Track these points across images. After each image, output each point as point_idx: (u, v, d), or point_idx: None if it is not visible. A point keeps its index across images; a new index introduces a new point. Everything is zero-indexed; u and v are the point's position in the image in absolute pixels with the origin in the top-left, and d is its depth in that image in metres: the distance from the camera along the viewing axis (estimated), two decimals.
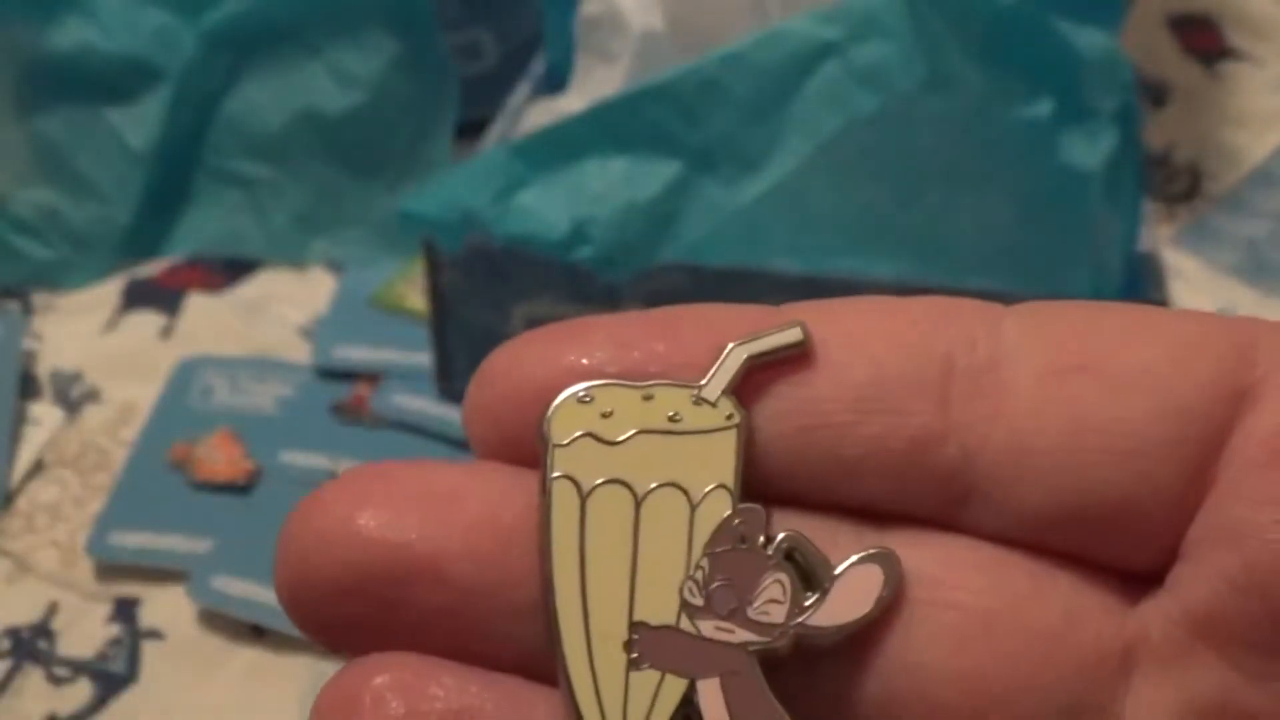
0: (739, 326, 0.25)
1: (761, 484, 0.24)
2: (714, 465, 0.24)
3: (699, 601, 0.24)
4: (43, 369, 0.73)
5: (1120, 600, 0.24)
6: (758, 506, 0.24)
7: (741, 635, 0.23)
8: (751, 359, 0.24)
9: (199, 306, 0.77)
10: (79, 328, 0.76)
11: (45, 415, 0.71)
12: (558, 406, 0.24)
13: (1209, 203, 0.77)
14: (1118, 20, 0.61)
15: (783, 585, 0.24)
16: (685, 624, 0.24)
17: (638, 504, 0.24)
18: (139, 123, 0.77)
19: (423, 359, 0.70)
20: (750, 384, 0.24)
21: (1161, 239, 0.73)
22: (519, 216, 0.58)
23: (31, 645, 0.61)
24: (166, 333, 0.75)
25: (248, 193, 0.79)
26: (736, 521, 0.24)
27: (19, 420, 0.70)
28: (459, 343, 0.68)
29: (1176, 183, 0.79)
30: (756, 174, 0.58)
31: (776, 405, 0.24)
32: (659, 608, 0.24)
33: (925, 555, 0.24)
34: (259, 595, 0.61)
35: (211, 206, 0.80)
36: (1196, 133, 0.83)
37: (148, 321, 0.76)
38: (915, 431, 0.24)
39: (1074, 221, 0.61)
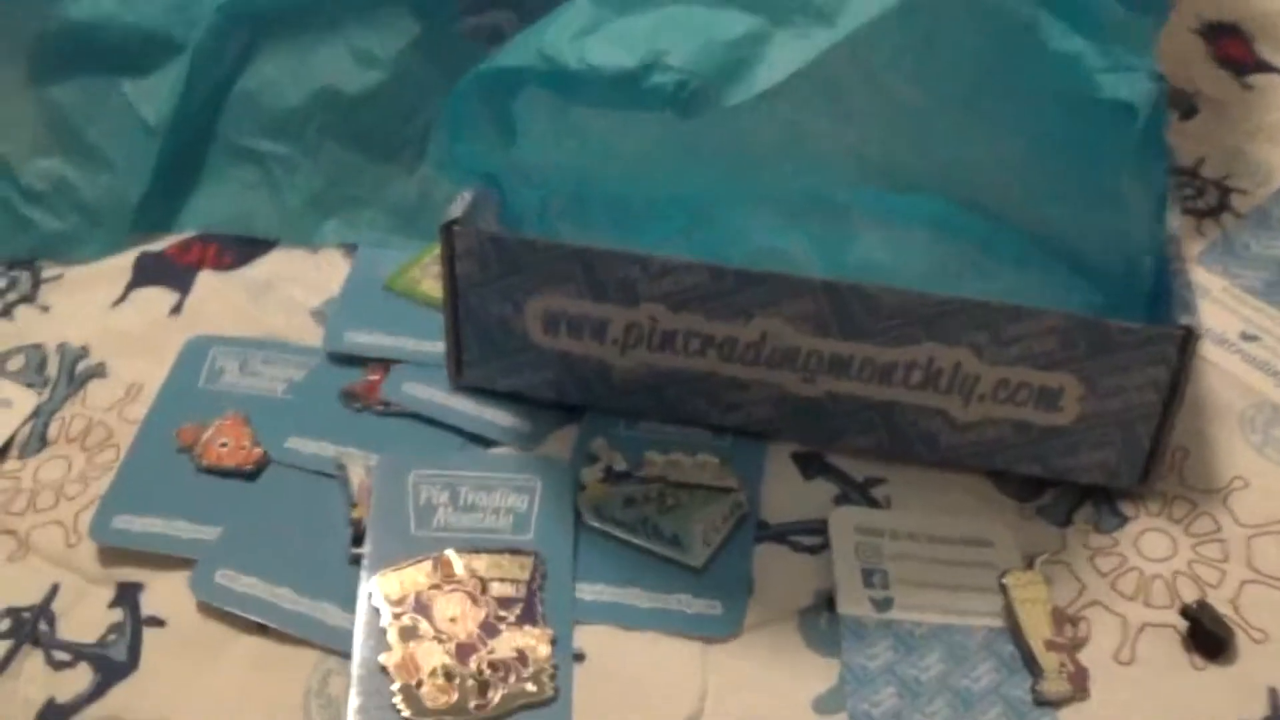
0: None
1: None
2: None
3: None
4: (49, 341, 0.72)
5: None
6: None
7: None
8: None
9: (209, 285, 0.76)
10: (87, 301, 0.75)
11: (17, 398, 0.70)
12: None
13: (1237, 220, 0.77)
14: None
15: None
16: None
17: None
18: (153, 95, 0.77)
19: (435, 347, 0.69)
20: None
21: (1189, 256, 0.72)
22: (592, 50, 0.57)
23: (32, 627, 0.60)
24: (176, 310, 0.74)
25: (262, 170, 0.78)
26: None
27: None
28: (473, 334, 0.67)
29: (1205, 197, 0.78)
30: (828, 27, 0.57)
31: None
32: None
33: None
34: (262, 591, 0.60)
35: (225, 183, 0.79)
36: (1226, 146, 0.82)
37: (157, 298, 0.75)
38: None
39: (1113, 159, 0.59)
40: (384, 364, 0.70)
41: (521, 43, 0.58)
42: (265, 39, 0.77)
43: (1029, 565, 0.61)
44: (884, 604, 0.60)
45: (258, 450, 0.65)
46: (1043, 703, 0.57)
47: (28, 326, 0.74)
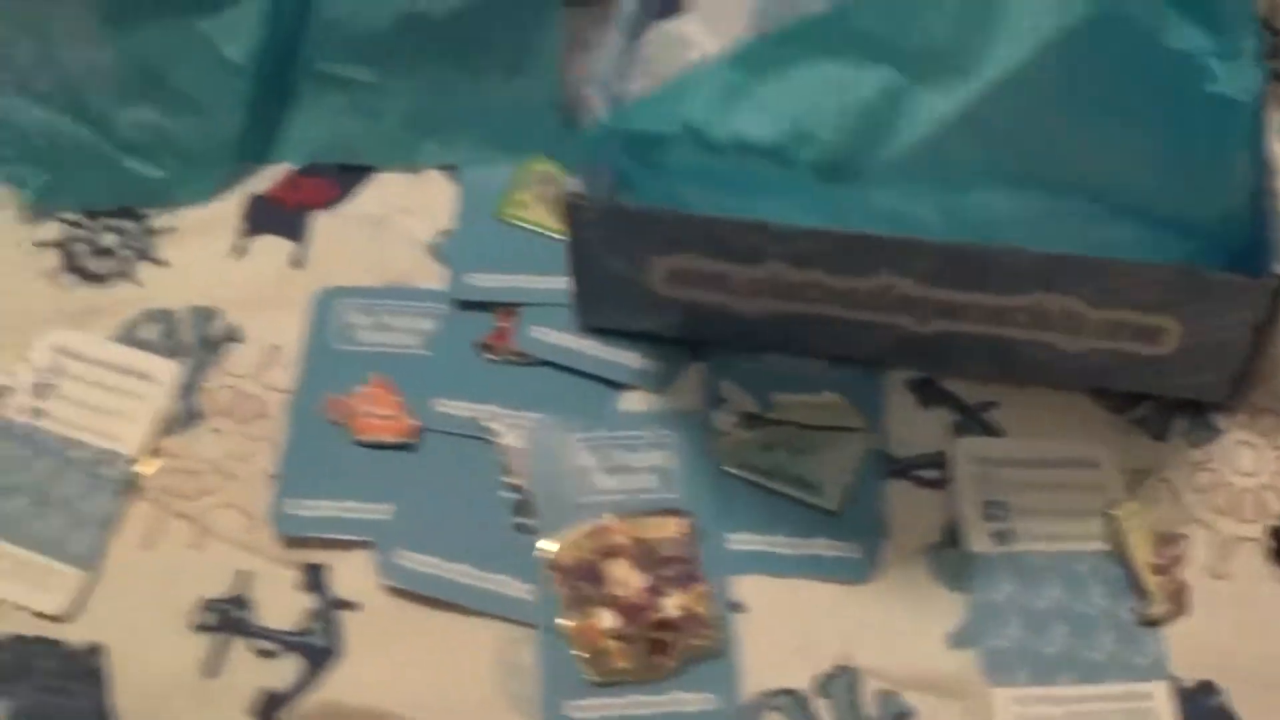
0: None
1: None
2: None
3: None
4: (177, 305, 0.74)
5: None
6: None
7: None
8: None
9: (325, 228, 0.77)
10: (204, 254, 0.76)
11: (158, 370, 0.72)
12: None
13: None
14: None
15: None
16: None
17: None
18: (234, 31, 0.75)
19: (555, 283, 0.71)
20: None
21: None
22: (739, 121, 0.59)
23: (233, 618, 0.65)
24: (296, 262, 0.75)
25: (353, 96, 0.78)
26: None
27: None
28: (596, 290, 0.70)
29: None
30: (966, 81, 0.59)
31: None
32: None
33: None
34: (442, 570, 0.65)
35: (318, 112, 0.78)
36: None
37: (275, 249, 0.76)
38: None
39: (1221, 151, 0.62)
40: (511, 306, 0.72)
41: (660, 106, 0.59)
42: None
43: (1131, 483, 0.67)
44: (1004, 537, 0.66)
45: (411, 421, 0.69)
46: (1148, 623, 0.65)
47: (150, 287, 0.75)
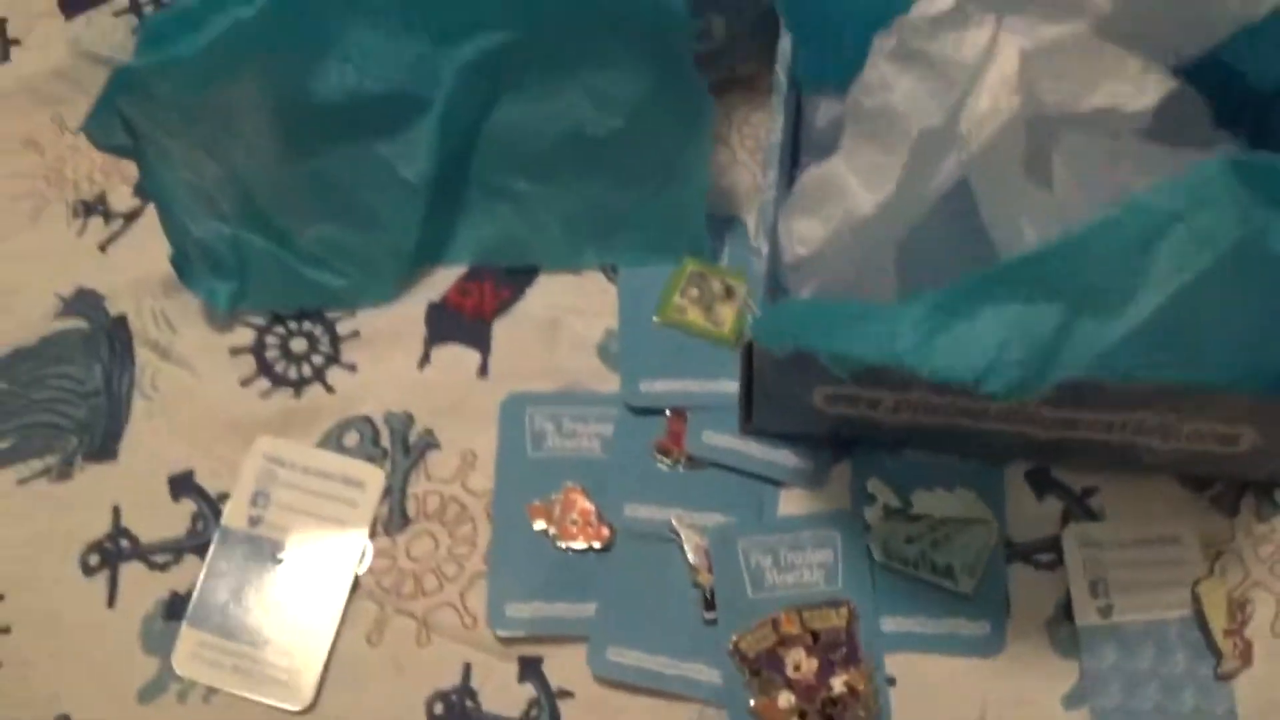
0: None
1: None
2: None
3: None
4: (375, 412, 0.81)
5: None
6: None
7: None
8: None
9: (503, 334, 0.83)
10: (392, 362, 0.83)
11: (367, 476, 0.79)
12: None
13: None
14: None
15: None
16: None
17: None
18: (410, 154, 0.81)
19: (718, 386, 0.81)
20: None
21: None
22: (939, 356, 0.68)
23: (460, 707, 0.75)
24: (482, 370, 0.83)
25: (519, 205, 0.84)
26: None
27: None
28: (765, 400, 0.79)
29: None
30: (1123, 315, 0.68)
31: None
32: None
33: None
34: (647, 663, 0.76)
35: (485, 219, 0.84)
36: None
37: (460, 357, 0.83)
38: None
39: None
40: (681, 411, 0.81)
41: (869, 330, 0.67)
42: (507, 89, 0.80)
43: (1209, 558, 0.80)
44: (1107, 610, 0.79)
45: (605, 529, 0.78)
46: (1221, 679, 0.78)
47: (342, 393, 0.82)
